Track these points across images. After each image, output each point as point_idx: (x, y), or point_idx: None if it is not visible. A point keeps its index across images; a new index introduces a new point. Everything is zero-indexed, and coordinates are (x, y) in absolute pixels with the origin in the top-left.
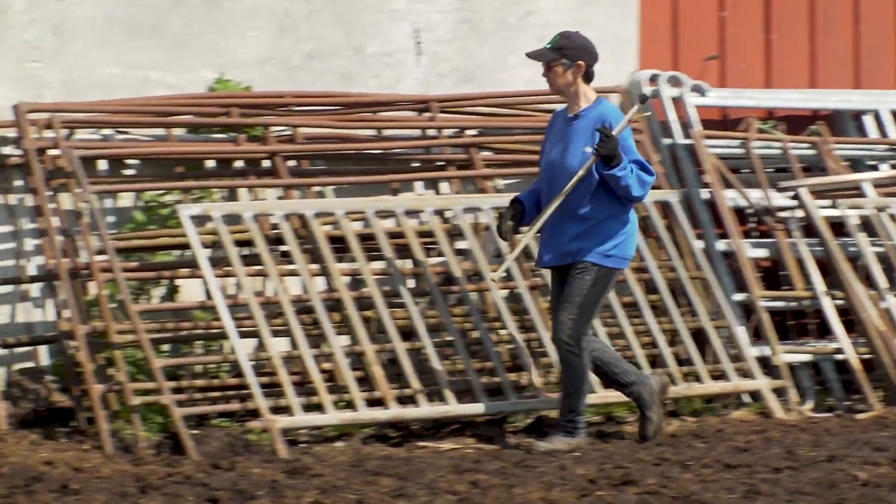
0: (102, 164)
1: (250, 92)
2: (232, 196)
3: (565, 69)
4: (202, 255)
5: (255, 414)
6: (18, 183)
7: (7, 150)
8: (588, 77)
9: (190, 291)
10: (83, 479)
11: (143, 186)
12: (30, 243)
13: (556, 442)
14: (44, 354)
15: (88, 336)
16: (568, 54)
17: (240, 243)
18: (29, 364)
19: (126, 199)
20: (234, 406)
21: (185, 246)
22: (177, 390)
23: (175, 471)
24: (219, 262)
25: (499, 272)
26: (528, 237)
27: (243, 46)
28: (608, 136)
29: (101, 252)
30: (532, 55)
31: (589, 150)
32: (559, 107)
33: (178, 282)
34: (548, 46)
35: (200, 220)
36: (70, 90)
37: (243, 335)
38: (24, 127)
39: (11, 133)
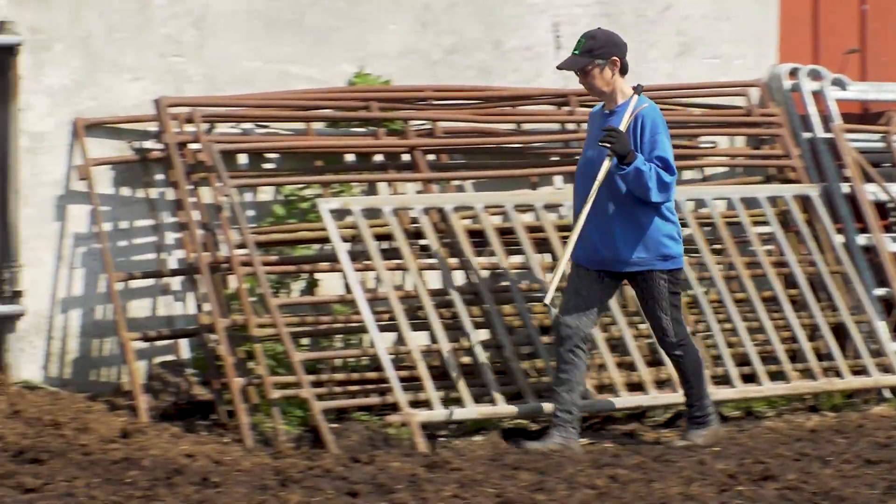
0: (242, 158)
1: (390, 86)
2: (371, 190)
3: (601, 69)
4: (342, 249)
5: (394, 408)
6: (159, 177)
7: (148, 144)
8: (623, 70)
9: (329, 285)
10: (223, 472)
11: (282, 180)
12: (170, 237)
13: (692, 436)
14: (184, 348)
15: (228, 329)
16: (599, 54)
17: (379, 237)
18: (169, 357)
19: (266, 193)
20: (374, 400)
21: (325, 240)
22: (316, 384)
23: (315, 464)
24: (358, 255)
25: (548, 296)
26: (567, 253)
27: (383, 40)
28: (617, 132)
29: (241, 246)
30: (564, 66)
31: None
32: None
33: (317, 276)
34: (576, 53)
35: (340, 213)
36: (211, 84)
37: (383, 329)
38: (166, 121)
39: (153, 127)
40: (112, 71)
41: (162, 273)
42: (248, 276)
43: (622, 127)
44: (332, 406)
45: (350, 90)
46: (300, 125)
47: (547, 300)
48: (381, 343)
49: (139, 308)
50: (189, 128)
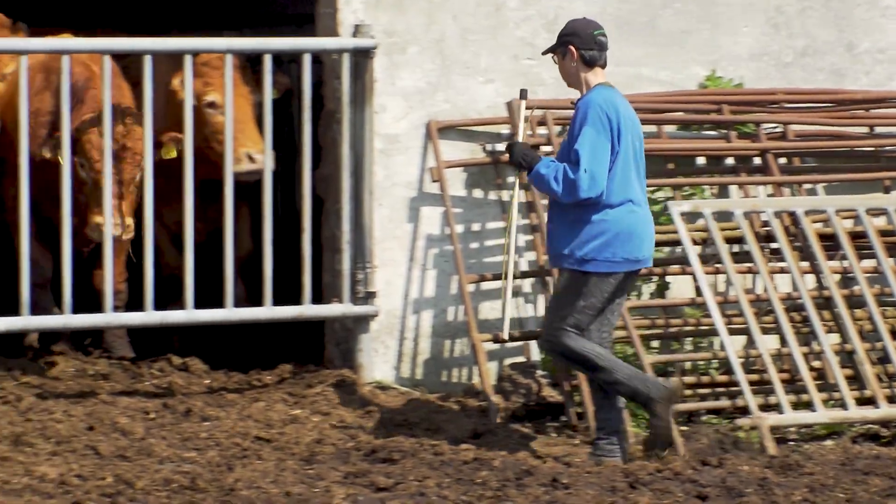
0: None
1: (741, 89)
2: (722, 193)
3: (562, 57)
4: (692, 252)
5: (744, 411)
6: (511, 179)
7: (501, 146)
8: (586, 62)
9: (680, 288)
10: (573, 474)
11: None
12: (522, 239)
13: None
14: (534, 349)
15: None
16: (561, 42)
17: (730, 240)
18: (520, 359)
19: None
20: (724, 403)
21: (676, 243)
22: None
23: (664, 467)
24: (709, 259)
25: (505, 330)
26: (510, 273)
27: (735, 43)
28: (511, 143)
29: None
30: (544, 52)
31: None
32: None
33: (668, 278)
34: None
35: (691, 216)
36: (563, 87)
37: (733, 332)
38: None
39: (505, 129)
40: (465, 73)
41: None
42: None
43: (519, 132)
44: (681, 409)
45: (702, 93)
46: (652, 128)
47: (504, 335)
48: (731, 346)
49: (490, 309)
50: (541, 130)
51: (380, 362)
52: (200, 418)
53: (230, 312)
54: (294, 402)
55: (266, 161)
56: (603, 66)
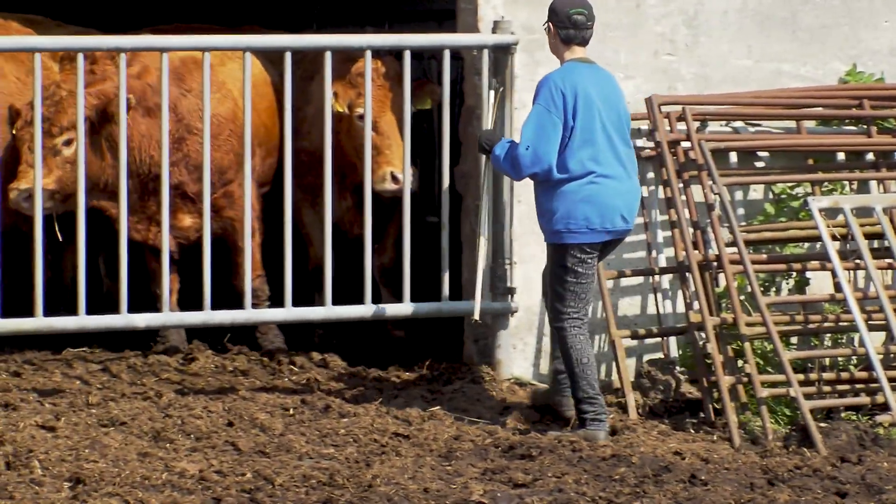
0: (733, 157)
1: (882, 84)
2: (862, 188)
3: (547, 33)
4: (832, 248)
5: (883, 408)
6: (650, 175)
7: (640, 142)
8: (563, 40)
9: (819, 284)
10: (711, 470)
11: (773, 179)
12: (661, 235)
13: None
14: (673, 345)
15: (718, 328)
16: (547, 18)
17: (870, 236)
18: (658, 355)
19: (756, 192)
20: (863, 400)
21: (816, 238)
22: (805, 383)
23: (803, 464)
24: (848, 254)
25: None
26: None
27: (877, 38)
28: (479, 133)
29: (731, 244)
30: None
31: None
32: None
33: (808, 274)
34: None
35: (831, 212)
36: (703, 82)
37: (872, 329)
38: (657, 119)
39: (644, 125)
40: (606, 69)
41: (652, 271)
42: (737, 274)
43: (484, 121)
44: (820, 405)
45: (842, 88)
46: (791, 123)
47: (476, 316)
48: (871, 343)
49: (629, 306)
50: (680, 126)
51: (518, 358)
52: (339, 414)
53: (368, 309)
54: (432, 399)
55: (407, 179)
56: (582, 44)
